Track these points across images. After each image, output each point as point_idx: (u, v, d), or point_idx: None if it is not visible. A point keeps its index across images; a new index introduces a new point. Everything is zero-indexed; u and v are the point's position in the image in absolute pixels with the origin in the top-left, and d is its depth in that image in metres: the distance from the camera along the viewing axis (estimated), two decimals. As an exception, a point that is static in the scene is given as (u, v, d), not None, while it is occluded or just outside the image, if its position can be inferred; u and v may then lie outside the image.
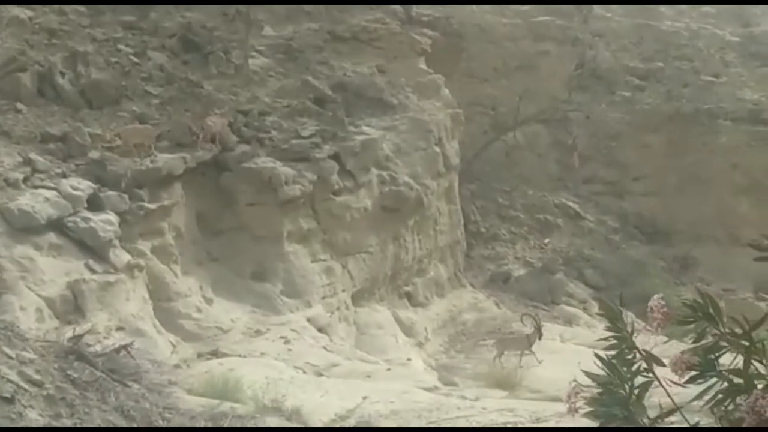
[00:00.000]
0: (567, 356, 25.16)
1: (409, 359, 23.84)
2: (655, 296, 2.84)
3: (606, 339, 2.89)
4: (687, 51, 39.45)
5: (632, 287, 29.89)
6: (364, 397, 16.45)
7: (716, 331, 2.70)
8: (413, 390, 18.28)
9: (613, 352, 2.86)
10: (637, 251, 34.83)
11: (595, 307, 31.36)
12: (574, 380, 2.91)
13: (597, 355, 2.91)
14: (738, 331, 2.69)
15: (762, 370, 2.70)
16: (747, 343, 2.68)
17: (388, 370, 21.54)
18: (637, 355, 2.80)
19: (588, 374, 2.87)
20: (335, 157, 24.70)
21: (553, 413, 15.94)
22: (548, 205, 36.25)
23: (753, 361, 2.70)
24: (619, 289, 32.16)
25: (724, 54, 39.58)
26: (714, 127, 35.94)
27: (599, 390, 2.84)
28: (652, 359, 2.78)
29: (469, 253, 32.53)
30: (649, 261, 33.57)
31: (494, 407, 16.48)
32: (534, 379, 21.43)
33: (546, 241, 34.73)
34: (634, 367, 2.80)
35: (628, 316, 2.97)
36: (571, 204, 36.50)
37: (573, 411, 2.89)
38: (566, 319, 30.00)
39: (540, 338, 23.50)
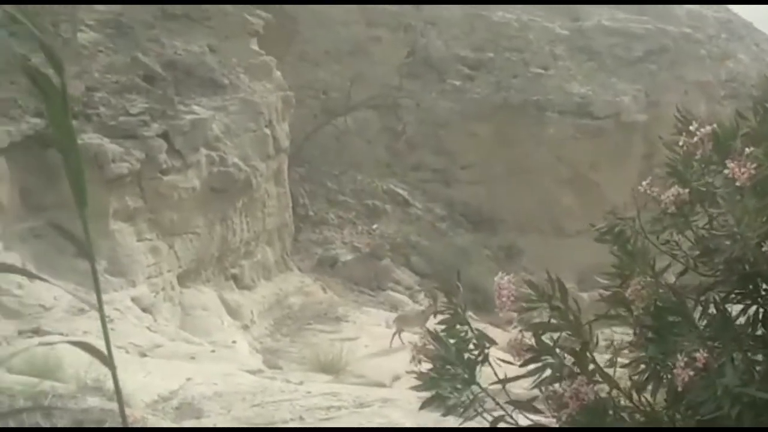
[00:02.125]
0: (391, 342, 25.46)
1: (234, 342, 23.73)
2: (503, 275, 2.88)
3: (440, 312, 2.92)
4: (517, 42, 40.07)
5: (457, 275, 30.29)
6: (188, 379, 16.30)
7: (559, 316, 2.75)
8: (237, 372, 18.19)
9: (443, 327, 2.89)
10: (463, 239, 35.31)
11: (420, 294, 31.73)
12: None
13: (428, 331, 2.94)
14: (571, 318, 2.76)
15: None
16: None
17: (213, 352, 21.38)
18: (470, 332, 2.84)
19: (418, 348, 2.90)
20: (164, 135, 24.33)
21: (376, 398, 16.06)
22: (377, 191, 36.47)
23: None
24: (444, 276, 32.64)
25: (553, 47, 40.32)
26: (541, 119, 36.65)
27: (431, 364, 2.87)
28: (484, 337, 2.82)
29: (296, 237, 32.51)
30: (474, 249, 34.05)
31: (318, 391, 16.50)
32: (358, 364, 21.56)
33: (374, 226, 34.94)
34: (467, 345, 2.83)
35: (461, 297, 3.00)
36: (399, 191, 36.80)
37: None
38: (392, 305, 30.24)
39: (435, 315, 23.72)
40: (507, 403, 2.84)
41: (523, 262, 34.76)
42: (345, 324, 27.43)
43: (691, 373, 2.28)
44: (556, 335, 2.78)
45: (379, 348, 24.35)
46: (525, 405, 2.80)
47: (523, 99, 37.06)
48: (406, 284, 32.27)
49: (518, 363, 2.81)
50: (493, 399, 2.84)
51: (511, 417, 2.83)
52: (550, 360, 2.75)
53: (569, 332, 2.76)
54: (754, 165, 2.48)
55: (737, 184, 2.49)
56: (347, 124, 36.72)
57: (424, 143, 37.78)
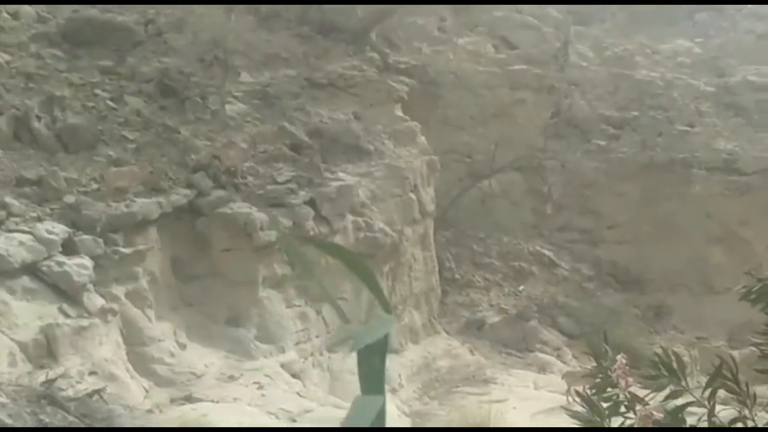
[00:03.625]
0: (540, 403, 25.25)
1: (382, 406, 23.79)
2: (620, 356, 2.90)
3: (592, 374, 2.94)
4: (662, 100, 39.64)
5: (608, 336, 29.97)
6: (337, 444, 16.42)
7: (681, 386, 2.77)
8: (387, 436, 18.24)
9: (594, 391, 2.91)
10: (611, 299, 34.88)
11: (569, 355, 31.42)
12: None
13: (578, 393, 2.97)
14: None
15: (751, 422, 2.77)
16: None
17: (362, 416, 21.47)
18: (620, 395, 2.86)
19: (569, 412, 2.93)
20: (310, 202, 24.74)
21: (525, 459, 16.02)
22: (523, 253, 36.30)
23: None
24: (592, 336, 32.27)
25: (698, 104, 39.81)
26: (688, 176, 36.12)
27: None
28: (636, 399, 2.84)
29: (443, 300, 32.55)
30: (623, 309, 33.61)
31: (468, 454, 16.53)
32: (507, 425, 21.43)
33: (520, 288, 34.76)
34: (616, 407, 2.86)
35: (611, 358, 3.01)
36: (545, 252, 36.57)
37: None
38: (540, 367, 29.99)
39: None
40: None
41: (673, 321, 34.19)
42: (493, 386, 27.29)
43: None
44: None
45: (528, 409, 24.19)
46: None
47: (669, 157, 36.56)
48: (554, 345, 31.97)
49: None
50: None
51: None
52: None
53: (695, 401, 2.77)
54: None
55: None
56: (492, 187, 36.68)
57: (569, 204, 37.54)
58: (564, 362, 30.57)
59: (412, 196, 28.67)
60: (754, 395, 2.76)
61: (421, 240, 29.86)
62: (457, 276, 34.56)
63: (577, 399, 2.86)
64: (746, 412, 2.73)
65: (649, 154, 36.94)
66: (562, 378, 25.68)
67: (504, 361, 30.28)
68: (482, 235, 36.21)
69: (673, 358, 2.77)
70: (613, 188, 36.78)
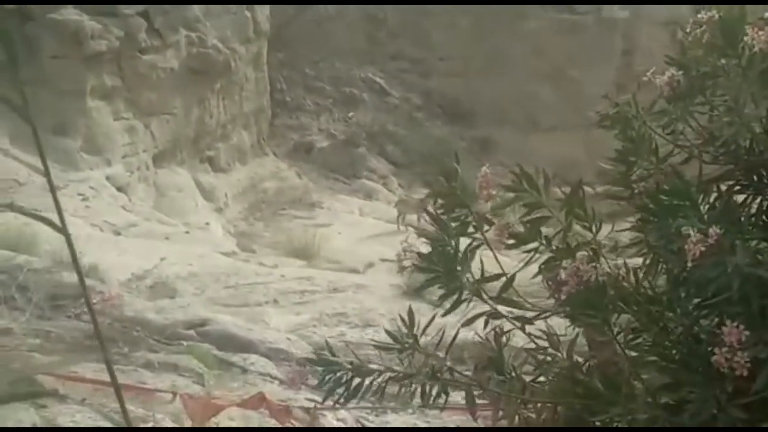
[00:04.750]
0: (365, 229, 25.59)
1: (207, 224, 23.81)
2: (486, 167, 2.88)
3: (436, 195, 2.92)
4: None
5: (433, 165, 30.38)
6: (162, 258, 16.38)
7: (541, 204, 2.77)
8: (211, 254, 18.29)
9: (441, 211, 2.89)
10: (439, 130, 35.19)
11: (395, 183, 31.79)
12: (406, 241, 2.94)
13: (427, 211, 2.95)
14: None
15: (588, 236, 2.80)
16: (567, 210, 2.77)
17: (187, 233, 21.45)
18: (469, 216, 2.85)
19: (418, 230, 2.91)
20: (144, 14, 24.08)
21: (350, 284, 16.21)
22: (354, 79, 36.23)
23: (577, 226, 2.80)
24: (419, 166, 32.66)
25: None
26: (522, 11, 36.36)
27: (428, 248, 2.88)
28: (483, 219, 2.83)
29: (273, 122, 32.38)
30: (450, 140, 33.98)
31: (292, 275, 16.63)
32: (331, 250, 21.64)
33: (350, 114, 34.80)
34: (466, 228, 2.84)
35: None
36: (377, 79, 36.56)
37: (402, 269, 2.92)
38: (366, 194, 30.28)
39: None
40: (493, 298, 2.85)
41: (498, 154, 34.65)
42: (319, 210, 27.53)
43: (703, 248, 2.30)
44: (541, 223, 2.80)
45: (353, 235, 24.48)
46: (512, 302, 2.82)
47: (505, -9, 36.74)
48: (381, 173, 32.28)
49: (503, 248, 2.83)
50: (480, 292, 2.85)
51: (495, 310, 2.85)
52: (537, 244, 2.78)
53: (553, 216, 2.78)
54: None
55: (756, 49, 2.50)
56: (328, 10, 36.35)
57: (404, 32, 37.44)
58: (390, 190, 30.94)
59: (247, 14, 28.17)
60: (600, 224, 2.78)
61: (254, 60, 29.48)
62: (288, 98, 34.37)
63: (426, 218, 2.82)
64: (591, 238, 2.74)
65: (485, -12, 37.01)
66: (395, 205, 25.96)
67: (331, 186, 30.47)
68: (316, 59, 35.95)
69: (540, 172, 2.75)
70: (448, 19, 36.75)
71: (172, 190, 24.79)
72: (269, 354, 10.95)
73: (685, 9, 36.32)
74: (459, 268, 2.80)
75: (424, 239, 2.91)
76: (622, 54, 36.18)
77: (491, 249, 2.87)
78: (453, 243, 2.82)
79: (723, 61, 2.63)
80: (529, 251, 2.78)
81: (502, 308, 2.84)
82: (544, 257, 2.76)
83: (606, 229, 2.84)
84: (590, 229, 2.78)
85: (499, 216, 2.83)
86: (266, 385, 9.92)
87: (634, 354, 2.61)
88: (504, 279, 2.81)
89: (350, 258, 20.91)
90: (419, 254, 2.87)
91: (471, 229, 2.84)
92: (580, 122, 34.83)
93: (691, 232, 2.34)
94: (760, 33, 2.47)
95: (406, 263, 2.89)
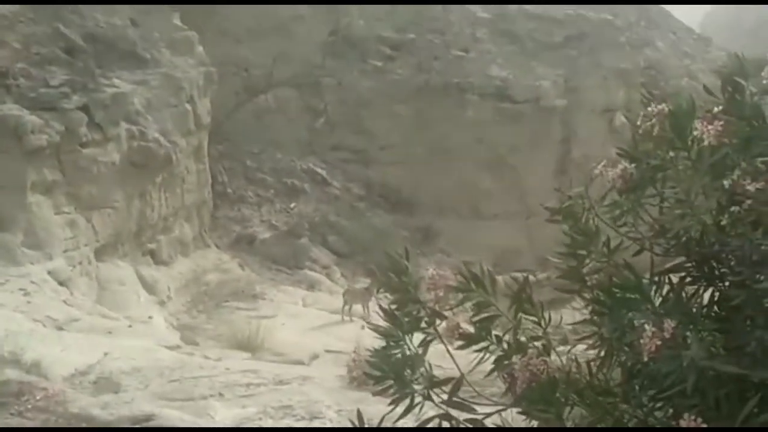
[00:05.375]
0: (309, 320, 25.53)
1: (150, 317, 23.61)
2: (432, 269, 2.90)
3: (387, 289, 2.93)
4: (439, 24, 40.09)
5: (375, 255, 30.47)
6: (106, 353, 16.21)
7: (490, 303, 2.80)
8: (155, 348, 18.12)
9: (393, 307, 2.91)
10: (381, 220, 35.38)
11: (337, 273, 31.80)
12: (354, 351, 2.94)
13: (380, 306, 2.97)
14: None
15: (538, 330, 2.83)
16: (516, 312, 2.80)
17: (130, 327, 21.26)
18: (422, 311, 2.86)
19: (372, 326, 2.92)
20: (84, 108, 24.06)
21: (296, 376, 16.10)
22: (296, 170, 36.42)
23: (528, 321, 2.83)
24: (361, 255, 32.72)
25: (474, 30, 40.38)
26: (462, 101, 36.78)
27: (379, 347, 2.88)
28: (435, 314, 2.85)
29: (215, 214, 32.39)
30: (392, 230, 34.13)
31: (237, 368, 16.50)
32: (276, 342, 21.52)
33: (292, 205, 34.90)
34: (416, 322, 2.86)
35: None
36: (318, 170, 36.78)
37: (353, 380, 2.92)
38: (309, 284, 30.27)
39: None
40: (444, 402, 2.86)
41: (440, 243, 34.90)
42: (262, 302, 27.42)
43: (658, 342, 2.34)
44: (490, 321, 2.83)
45: (297, 326, 24.41)
46: (462, 405, 2.83)
47: (444, 81, 37.16)
48: (324, 263, 32.31)
49: (454, 348, 2.85)
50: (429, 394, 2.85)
51: (447, 413, 2.86)
52: (487, 343, 2.80)
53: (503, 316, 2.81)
54: (721, 122, 2.54)
55: (706, 142, 2.55)
56: (268, 102, 36.61)
57: (344, 123, 37.75)
58: (333, 280, 30.96)
59: (188, 107, 28.29)
60: (550, 317, 2.82)
61: (195, 152, 29.53)
62: (230, 190, 34.44)
63: (375, 311, 2.85)
64: (541, 333, 2.77)
65: (425, 78, 37.47)
66: (343, 295, 26.05)
67: (273, 277, 30.42)
68: (256, 150, 36.14)
69: (485, 271, 2.79)
70: (388, 109, 37.12)
71: (114, 284, 24.61)
72: (216, 449, 10.85)
73: (621, 97, 37.08)
74: (410, 370, 2.81)
75: (376, 335, 2.92)
76: (561, 142, 36.70)
77: (444, 344, 2.88)
78: (406, 338, 2.83)
79: (672, 153, 2.68)
80: (479, 350, 2.80)
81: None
82: (495, 355, 2.79)
83: (554, 319, 2.87)
84: (539, 324, 2.82)
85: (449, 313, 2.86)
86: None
87: (590, 447, 2.62)
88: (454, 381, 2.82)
89: (295, 349, 20.81)
90: (368, 361, 2.87)
91: (423, 324, 2.86)
92: (520, 210, 35.26)
93: (646, 326, 2.37)
94: (710, 127, 2.52)
95: (356, 374, 2.90)
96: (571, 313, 2.91)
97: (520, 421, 2.81)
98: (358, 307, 25.21)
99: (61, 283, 22.15)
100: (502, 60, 38.69)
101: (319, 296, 29.11)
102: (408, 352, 2.83)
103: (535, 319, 2.83)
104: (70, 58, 25.18)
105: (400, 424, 2.89)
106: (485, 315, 2.85)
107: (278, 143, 36.50)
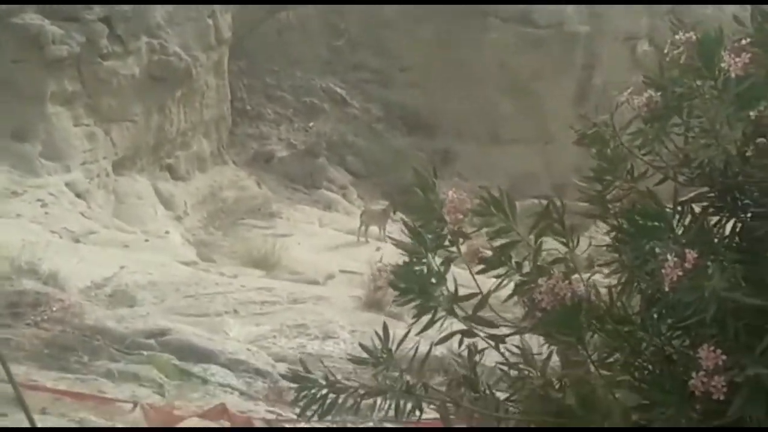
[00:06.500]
0: (324, 240, 25.59)
1: (167, 232, 23.71)
2: (452, 191, 2.88)
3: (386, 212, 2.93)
4: (463, -53, 39.62)
5: (392, 177, 30.46)
6: (122, 267, 16.32)
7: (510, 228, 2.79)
8: (172, 263, 18.24)
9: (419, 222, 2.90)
10: (399, 141, 35.27)
11: (354, 194, 31.81)
12: (380, 260, 2.94)
13: (404, 222, 2.96)
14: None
15: (562, 250, 2.81)
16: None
17: (146, 241, 21.38)
18: (446, 229, 2.85)
19: (396, 242, 2.91)
20: (105, 20, 23.99)
21: (310, 295, 16.22)
22: (315, 89, 36.24)
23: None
24: (378, 177, 32.73)
25: (499, -47, 39.88)
26: (484, 24, 36.45)
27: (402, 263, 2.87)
28: (458, 234, 2.84)
29: (233, 131, 32.32)
30: (410, 152, 34.01)
31: (253, 285, 16.62)
32: (291, 261, 21.60)
33: (311, 124, 34.80)
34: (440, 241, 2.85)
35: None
36: (337, 89, 36.59)
37: (377, 289, 2.93)
38: (326, 204, 30.31)
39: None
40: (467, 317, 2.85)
41: (457, 167, 34.78)
42: (279, 220, 27.49)
43: (680, 273, 2.32)
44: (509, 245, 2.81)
45: (312, 246, 24.47)
46: (485, 321, 2.82)
47: (467, 3, 36.79)
48: (341, 183, 32.33)
49: (474, 271, 2.84)
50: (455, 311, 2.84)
51: (469, 328, 2.85)
52: (508, 268, 2.79)
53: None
54: (749, 54, 2.51)
55: (732, 75, 2.52)
56: (290, 19, 36.35)
57: (365, 43, 37.49)
58: (349, 201, 30.97)
59: (209, 21, 28.13)
60: (578, 238, 2.80)
61: (215, 67, 29.42)
62: (248, 107, 34.34)
63: (389, 234, 2.83)
64: (569, 254, 2.76)
65: (448, -1, 37.12)
66: (360, 215, 26.11)
67: (290, 196, 30.46)
68: (276, 68, 35.94)
69: (505, 195, 2.76)
70: (410, 30, 36.81)
71: (131, 198, 24.68)
72: (229, 365, 10.94)
73: (644, 24, 36.70)
74: (433, 285, 2.80)
75: (400, 251, 2.91)
76: (582, 68, 36.38)
77: (466, 264, 2.88)
78: (429, 256, 2.83)
79: (699, 82, 2.65)
80: (499, 276, 2.80)
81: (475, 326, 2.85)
82: (515, 281, 2.78)
83: (582, 243, 2.86)
84: (567, 245, 2.80)
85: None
86: (227, 396, 9.91)
87: (607, 373, 2.62)
88: (478, 297, 2.82)
89: (310, 269, 20.88)
90: (392, 272, 2.86)
91: (447, 243, 2.86)
92: (539, 136, 35.09)
93: (668, 256, 2.36)
94: (737, 59, 2.49)
95: (381, 283, 2.89)
96: (587, 241, 2.90)
97: (540, 345, 2.81)
98: (373, 229, 25.28)
99: (78, 195, 22.24)
100: (525, -17, 38.28)
101: (336, 216, 29.16)
102: (431, 269, 2.82)
103: (564, 240, 2.82)
104: (94, -32, 25.04)
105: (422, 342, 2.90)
106: (505, 240, 2.83)
107: (298, 61, 36.31)
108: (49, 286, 13.22)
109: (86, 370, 10.06)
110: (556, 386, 2.79)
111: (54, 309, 11.94)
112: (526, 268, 2.79)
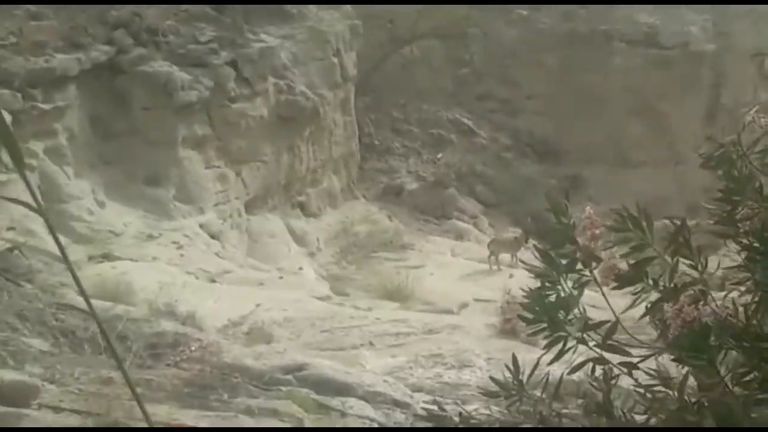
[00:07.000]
0: (457, 270, 25.57)
1: (300, 268, 23.96)
2: (589, 207, 2.87)
3: (518, 242, 2.92)
4: (584, -28, 39.48)
5: (522, 204, 30.38)
6: (257, 304, 16.53)
7: (647, 245, 2.76)
8: (306, 299, 18.42)
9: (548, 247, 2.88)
10: (528, 169, 35.17)
11: (485, 223, 31.76)
12: (508, 293, 2.94)
13: (536, 247, 2.95)
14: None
15: (694, 274, 2.78)
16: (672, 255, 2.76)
17: (281, 278, 21.65)
18: (578, 252, 2.84)
19: (528, 266, 2.90)
20: (232, 63, 24.47)
21: (445, 325, 16.20)
22: (442, 120, 36.35)
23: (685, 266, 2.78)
24: (509, 205, 32.66)
25: (621, -24, 39.67)
26: (609, 48, 36.24)
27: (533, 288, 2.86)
28: (591, 257, 2.82)
29: (362, 166, 32.59)
30: (539, 179, 33.88)
31: (387, 318, 16.67)
32: (425, 291, 21.61)
33: (439, 155, 34.89)
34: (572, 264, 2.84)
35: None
36: (464, 120, 36.63)
37: (507, 322, 2.92)
38: (457, 234, 30.30)
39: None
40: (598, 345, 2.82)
41: (588, 192, 34.49)
42: (411, 252, 27.54)
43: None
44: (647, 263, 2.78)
45: (445, 276, 24.47)
46: (617, 349, 2.79)
47: (590, 29, 36.61)
48: (471, 213, 32.30)
49: (610, 288, 2.82)
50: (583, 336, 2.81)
51: (601, 356, 2.83)
52: (645, 285, 2.76)
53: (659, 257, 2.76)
54: None
55: None
56: (414, 54, 36.57)
57: (490, 73, 37.53)
58: (480, 230, 30.92)
59: (334, 60, 28.49)
60: (706, 260, 2.76)
61: (342, 105, 29.74)
62: (377, 142, 34.57)
63: (521, 262, 2.83)
64: (701, 275, 2.72)
65: (571, 26, 36.92)
66: (489, 245, 26.06)
67: (421, 227, 30.52)
68: (402, 102, 36.15)
69: (642, 212, 2.75)
70: (534, 58, 36.76)
71: (264, 236, 25.03)
72: (367, 397, 10.95)
73: (773, 39, 36.00)
74: (563, 314, 2.79)
75: (531, 275, 2.90)
76: (710, 87, 35.88)
77: (599, 287, 2.86)
78: (561, 280, 2.82)
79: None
80: (635, 293, 2.77)
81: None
82: (651, 297, 2.75)
83: (711, 263, 2.83)
84: (696, 268, 2.78)
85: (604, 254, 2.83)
86: (365, 429, 9.93)
87: (744, 392, 2.58)
88: (609, 324, 2.79)
89: (444, 299, 20.86)
90: (521, 304, 2.85)
91: (579, 266, 2.84)
92: (669, 157, 34.67)
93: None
94: None
95: (509, 315, 2.90)
96: (720, 260, 2.86)
97: (673, 367, 2.77)
98: (505, 257, 25.18)
99: (212, 236, 22.64)
100: (649, 6, 37.90)
101: (468, 246, 29.12)
102: (563, 294, 2.80)
103: (692, 263, 2.79)
104: (218, 14, 25.51)
105: (553, 368, 2.88)
106: (642, 257, 2.81)
107: (424, 94, 36.45)
108: (187, 327, 13.43)
109: (226, 408, 10.15)
110: (693, 408, 2.75)
111: (192, 349, 12.11)
112: (661, 285, 2.76)
